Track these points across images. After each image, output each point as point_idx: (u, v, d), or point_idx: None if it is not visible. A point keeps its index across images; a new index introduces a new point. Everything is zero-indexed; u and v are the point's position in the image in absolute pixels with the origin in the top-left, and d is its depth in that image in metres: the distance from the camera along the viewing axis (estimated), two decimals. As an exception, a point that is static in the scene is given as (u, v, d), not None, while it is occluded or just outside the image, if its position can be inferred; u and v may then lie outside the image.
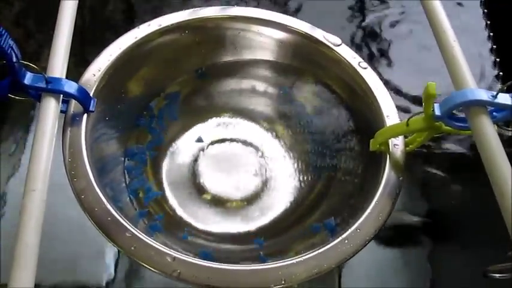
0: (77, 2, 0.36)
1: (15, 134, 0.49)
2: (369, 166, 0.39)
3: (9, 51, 0.30)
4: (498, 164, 0.28)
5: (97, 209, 0.32)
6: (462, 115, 0.32)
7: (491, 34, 0.54)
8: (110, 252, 0.43)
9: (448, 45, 0.33)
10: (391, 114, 0.38)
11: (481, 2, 0.57)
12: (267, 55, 0.45)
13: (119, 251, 0.42)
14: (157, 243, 0.31)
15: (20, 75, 0.32)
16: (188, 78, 0.45)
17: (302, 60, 0.44)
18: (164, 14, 0.41)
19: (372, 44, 0.55)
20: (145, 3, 0.57)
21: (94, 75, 0.37)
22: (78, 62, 0.46)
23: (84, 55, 0.50)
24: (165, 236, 0.38)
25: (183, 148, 0.44)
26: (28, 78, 0.32)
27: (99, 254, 0.42)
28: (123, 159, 0.41)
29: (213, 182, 0.43)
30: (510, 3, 0.53)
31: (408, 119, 0.34)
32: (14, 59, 0.31)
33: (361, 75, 0.40)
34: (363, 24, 0.57)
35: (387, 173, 0.35)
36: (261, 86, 0.46)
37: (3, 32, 0.29)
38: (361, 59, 0.40)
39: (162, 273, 0.30)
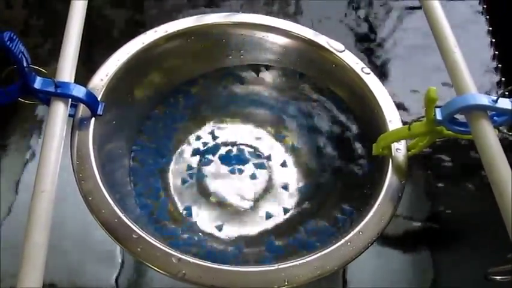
0: (86, 8, 0.37)
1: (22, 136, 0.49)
2: (371, 170, 0.39)
3: (20, 56, 0.31)
4: (498, 167, 0.28)
5: (104, 210, 0.33)
6: (463, 119, 0.32)
7: (493, 40, 0.55)
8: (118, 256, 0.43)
9: (450, 50, 0.34)
10: (393, 119, 0.38)
11: (483, 8, 0.58)
12: (272, 61, 0.46)
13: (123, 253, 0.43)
14: (163, 245, 0.32)
15: (30, 80, 0.32)
16: (194, 84, 0.46)
17: (306, 66, 0.45)
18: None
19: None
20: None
21: (102, 79, 0.38)
22: (86, 66, 0.47)
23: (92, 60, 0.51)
24: (171, 238, 0.38)
25: (188, 152, 0.45)
26: (38, 82, 0.33)
27: (107, 257, 0.43)
28: (129, 162, 0.41)
29: (219, 185, 0.43)
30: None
31: (410, 124, 0.34)
32: (25, 64, 0.31)
33: (364, 80, 0.40)
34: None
35: (389, 176, 0.35)
36: (265, 91, 0.47)
37: (14, 37, 0.30)
38: (364, 65, 0.41)
39: (168, 274, 0.31)
